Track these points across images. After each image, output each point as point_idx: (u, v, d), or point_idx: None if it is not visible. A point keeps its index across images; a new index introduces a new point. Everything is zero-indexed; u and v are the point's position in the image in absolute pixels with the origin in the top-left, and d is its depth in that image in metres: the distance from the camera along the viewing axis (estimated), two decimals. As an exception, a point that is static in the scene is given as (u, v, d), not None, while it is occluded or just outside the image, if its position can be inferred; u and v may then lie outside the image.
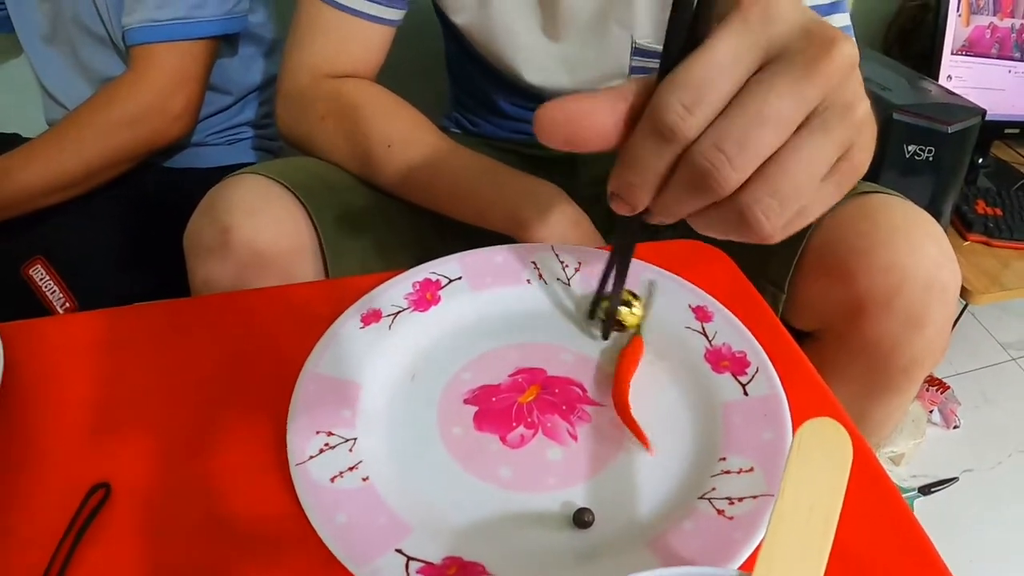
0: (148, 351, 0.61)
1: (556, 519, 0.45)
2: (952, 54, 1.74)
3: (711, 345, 0.56)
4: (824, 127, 0.35)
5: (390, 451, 0.49)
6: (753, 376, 0.53)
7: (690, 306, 0.60)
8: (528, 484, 0.47)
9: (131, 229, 1.19)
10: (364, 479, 0.46)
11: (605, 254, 0.65)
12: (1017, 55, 1.84)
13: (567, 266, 0.65)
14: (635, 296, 0.58)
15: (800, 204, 0.36)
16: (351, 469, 0.46)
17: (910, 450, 1.59)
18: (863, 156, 0.38)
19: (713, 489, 0.45)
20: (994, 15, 1.78)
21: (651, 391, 0.54)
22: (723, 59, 0.34)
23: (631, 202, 0.39)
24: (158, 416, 0.55)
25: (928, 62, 1.73)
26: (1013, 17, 1.81)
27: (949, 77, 1.75)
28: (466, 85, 1.22)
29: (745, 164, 0.34)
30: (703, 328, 0.58)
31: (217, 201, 0.80)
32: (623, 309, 0.56)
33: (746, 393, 0.52)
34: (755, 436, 0.48)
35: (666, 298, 0.61)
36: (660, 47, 0.86)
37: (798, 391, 0.53)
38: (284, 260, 0.79)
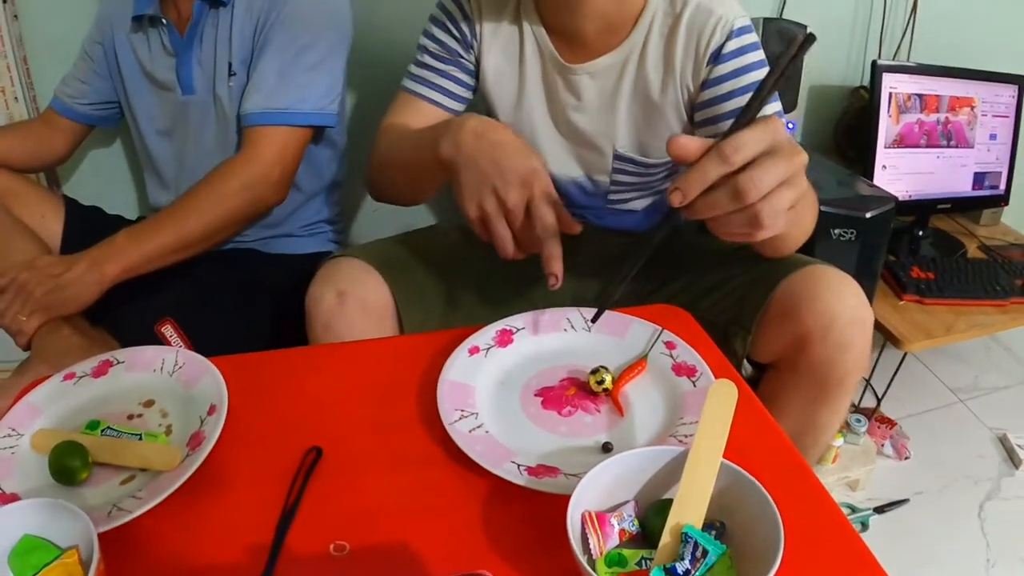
0: (319, 371, 1.04)
1: (592, 449, 0.89)
2: (885, 147, 2.15)
3: (675, 362, 1.00)
4: (791, 186, 0.76)
5: (497, 419, 0.93)
6: (699, 377, 0.97)
7: (662, 341, 1.04)
8: (575, 433, 0.91)
9: (239, 299, 1.54)
10: (486, 432, 0.90)
11: (616, 314, 1.08)
12: (944, 143, 2.25)
13: (587, 320, 1.08)
14: (607, 370, 0.96)
15: (780, 218, 0.76)
16: (479, 427, 0.90)
17: (863, 476, 1.96)
18: (806, 205, 0.81)
19: (676, 431, 0.89)
20: (920, 112, 2.19)
21: (643, 388, 0.98)
22: (754, 138, 0.74)
23: (687, 193, 0.76)
24: (344, 407, 0.96)
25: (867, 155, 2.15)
26: (938, 112, 2.22)
27: (884, 167, 2.15)
28: None
29: (761, 188, 0.73)
30: (670, 353, 1.02)
31: (332, 273, 1.22)
32: (607, 378, 0.95)
33: (695, 386, 0.96)
34: (699, 406, 0.89)
35: (647, 337, 1.05)
36: (633, 155, 1.35)
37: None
38: (378, 313, 1.21)
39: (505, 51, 1.36)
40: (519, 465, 0.84)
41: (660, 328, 1.05)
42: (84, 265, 1.32)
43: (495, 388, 0.99)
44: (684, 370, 0.98)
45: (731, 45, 1.22)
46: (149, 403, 0.95)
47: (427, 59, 1.40)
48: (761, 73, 1.22)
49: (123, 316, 1.40)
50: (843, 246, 1.68)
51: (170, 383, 0.97)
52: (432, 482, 0.85)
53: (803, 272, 1.19)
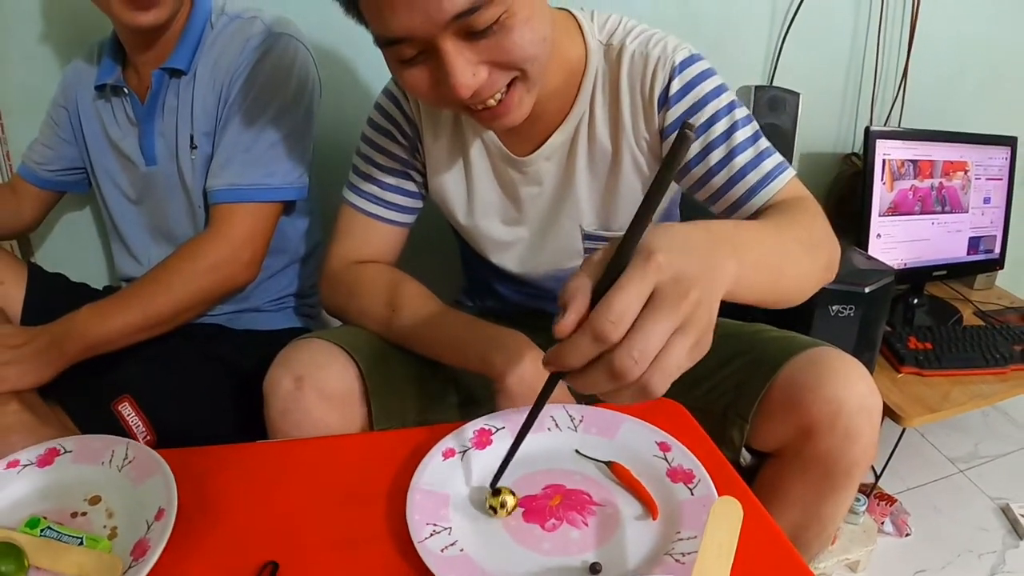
0: (279, 469, 0.95)
1: (579, 570, 0.78)
2: (880, 215, 2.08)
3: (670, 466, 0.90)
4: (684, 333, 0.63)
5: (474, 534, 0.82)
6: (697, 484, 0.87)
7: (655, 442, 0.94)
8: (560, 551, 0.81)
9: (203, 378, 1.45)
10: (461, 550, 0.79)
11: (605, 412, 0.99)
12: (938, 208, 2.20)
13: (574, 418, 0.99)
14: (512, 493, 0.86)
15: (675, 372, 0.64)
16: (452, 545, 0.80)
17: (864, 556, 1.86)
18: (708, 339, 0.66)
19: (673, 548, 0.78)
20: (914, 178, 2.13)
21: (632, 496, 0.88)
22: (632, 297, 0.62)
23: (560, 369, 0.66)
24: (304, 515, 0.87)
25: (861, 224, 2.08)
26: (932, 177, 2.16)
27: (878, 235, 2.08)
28: (474, 277, 1.59)
29: (645, 363, 0.61)
30: (664, 456, 0.92)
31: (292, 358, 1.12)
32: (508, 500, 0.85)
33: (693, 494, 0.85)
34: (699, 518, 0.81)
35: (639, 437, 0.96)
36: (603, 232, 1.20)
37: (725, 490, 0.86)
38: (341, 401, 1.10)
39: (448, 152, 1.28)
40: (497, 592, 0.74)
41: (631, 418, 0.98)
42: (44, 340, 1.25)
43: (472, 495, 0.89)
44: (680, 475, 0.89)
45: (676, 84, 1.13)
46: (95, 500, 0.88)
47: (373, 172, 1.32)
48: (722, 101, 1.14)
49: (79, 391, 1.33)
50: (842, 322, 1.59)
51: (118, 479, 0.89)
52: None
53: (806, 356, 1.10)
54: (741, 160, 1.12)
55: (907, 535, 2.00)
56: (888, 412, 1.78)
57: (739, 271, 0.72)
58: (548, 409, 0.99)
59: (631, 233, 0.65)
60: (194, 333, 1.52)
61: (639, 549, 0.80)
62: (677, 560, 0.76)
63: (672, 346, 0.63)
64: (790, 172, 1.14)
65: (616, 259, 0.66)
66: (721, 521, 0.68)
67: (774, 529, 0.83)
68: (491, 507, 0.85)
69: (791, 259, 0.94)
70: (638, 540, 0.81)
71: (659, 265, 0.63)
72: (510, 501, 0.85)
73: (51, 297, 1.51)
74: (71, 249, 1.94)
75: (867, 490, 2.00)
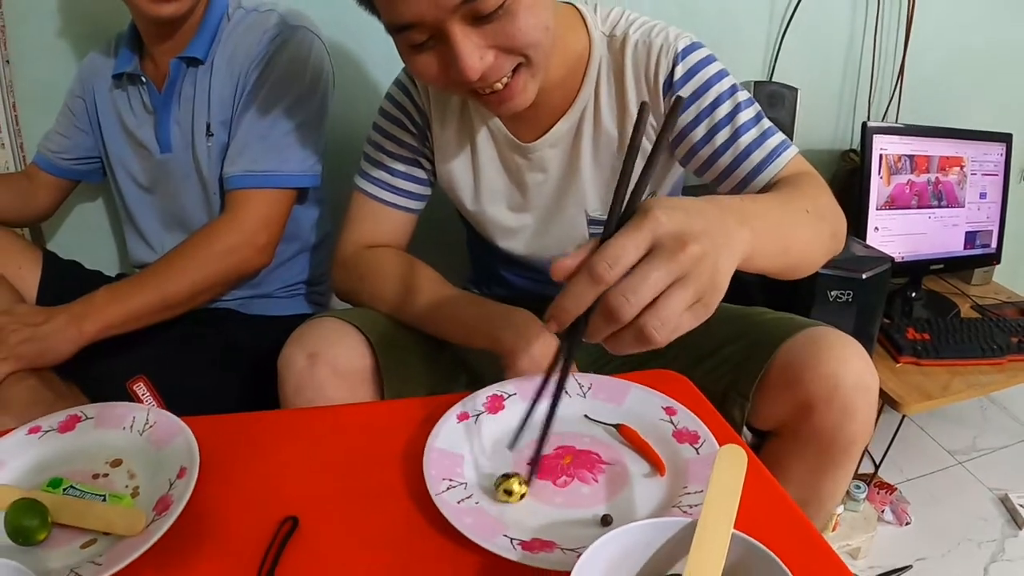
0: (298, 435, 0.98)
1: (591, 522, 0.82)
2: (877, 209, 2.13)
3: (676, 428, 0.94)
4: (684, 285, 0.65)
5: (487, 490, 0.86)
6: (702, 444, 0.91)
7: (662, 407, 0.98)
8: (572, 504, 0.84)
9: (216, 360, 1.50)
10: (476, 503, 0.83)
11: (613, 380, 1.03)
12: (935, 203, 2.24)
13: (583, 386, 1.03)
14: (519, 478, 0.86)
15: (674, 324, 0.66)
16: (468, 498, 0.83)
17: (864, 543, 1.89)
18: (713, 299, 0.68)
19: (680, 501, 0.82)
20: (911, 173, 2.18)
21: (640, 455, 0.92)
22: (628, 243, 0.65)
23: (561, 321, 0.68)
24: (323, 475, 0.90)
25: (859, 217, 2.12)
26: (928, 172, 2.21)
27: (876, 229, 2.13)
28: (480, 264, 1.63)
29: (637, 302, 0.64)
30: (671, 419, 0.96)
31: (306, 335, 1.16)
32: (515, 487, 0.84)
33: (698, 453, 0.89)
34: (705, 475, 0.84)
35: (645, 403, 0.99)
36: (605, 216, 1.23)
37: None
38: (353, 378, 1.14)
39: (456, 139, 1.33)
40: (512, 539, 0.77)
41: (641, 387, 1.01)
42: (63, 319, 1.29)
43: (485, 457, 0.92)
44: (686, 436, 0.92)
45: (680, 70, 1.18)
46: (116, 462, 0.90)
47: (384, 159, 1.37)
48: (724, 84, 1.19)
49: (94, 370, 1.36)
50: (840, 308, 1.64)
51: (140, 442, 0.92)
52: (418, 557, 0.79)
53: (804, 335, 1.14)
54: (746, 139, 1.17)
55: (907, 524, 2.04)
56: (887, 399, 1.83)
57: (753, 239, 0.76)
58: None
59: (631, 199, 0.71)
60: (207, 316, 1.57)
61: (648, 503, 0.84)
62: (684, 512, 0.80)
63: (670, 295, 0.66)
64: (794, 149, 1.18)
65: (610, 224, 0.71)
66: (726, 468, 0.72)
67: (777, 490, 0.87)
68: (504, 490, 0.85)
69: (799, 227, 0.99)
70: (647, 495, 0.85)
71: (657, 218, 0.67)
72: (517, 488, 0.85)
73: (66, 283, 1.55)
74: (83, 238, 1.98)
75: (867, 478, 2.04)
